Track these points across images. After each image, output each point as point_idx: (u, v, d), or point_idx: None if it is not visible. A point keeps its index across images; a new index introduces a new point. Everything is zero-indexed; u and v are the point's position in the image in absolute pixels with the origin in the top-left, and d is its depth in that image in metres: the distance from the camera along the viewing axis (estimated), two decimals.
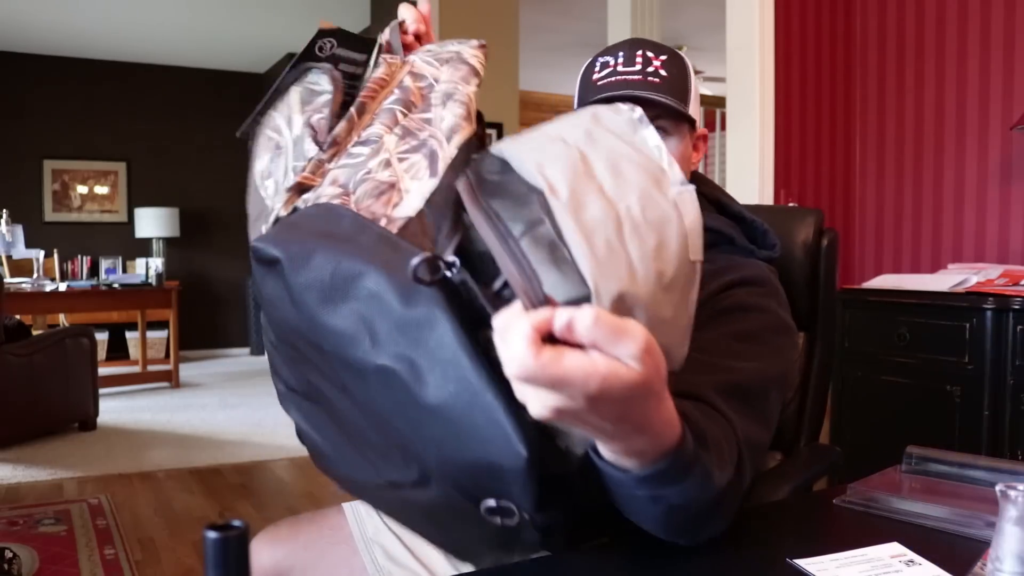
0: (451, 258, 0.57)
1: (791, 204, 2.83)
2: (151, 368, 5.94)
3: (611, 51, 1.06)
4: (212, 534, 0.40)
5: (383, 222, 0.66)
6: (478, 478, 0.62)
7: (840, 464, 1.43)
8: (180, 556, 2.64)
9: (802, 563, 0.72)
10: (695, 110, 1.06)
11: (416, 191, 0.67)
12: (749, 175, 2.80)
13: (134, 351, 6.80)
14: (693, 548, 0.77)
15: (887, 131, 3.05)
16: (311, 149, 0.76)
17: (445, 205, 0.62)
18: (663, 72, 1.02)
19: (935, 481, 0.94)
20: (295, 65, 0.86)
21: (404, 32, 0.90)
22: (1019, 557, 0.63)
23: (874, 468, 0.98)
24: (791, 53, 2.89)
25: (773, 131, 2.81)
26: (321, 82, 0.84)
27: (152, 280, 5.46)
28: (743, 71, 2.82)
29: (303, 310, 0.67)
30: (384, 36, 0.88)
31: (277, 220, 0.74)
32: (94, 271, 6.85)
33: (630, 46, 1.05)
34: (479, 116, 0.77)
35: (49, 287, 5.06)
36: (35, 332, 4.54)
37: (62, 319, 6.12)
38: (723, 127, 3.89)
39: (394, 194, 0.68)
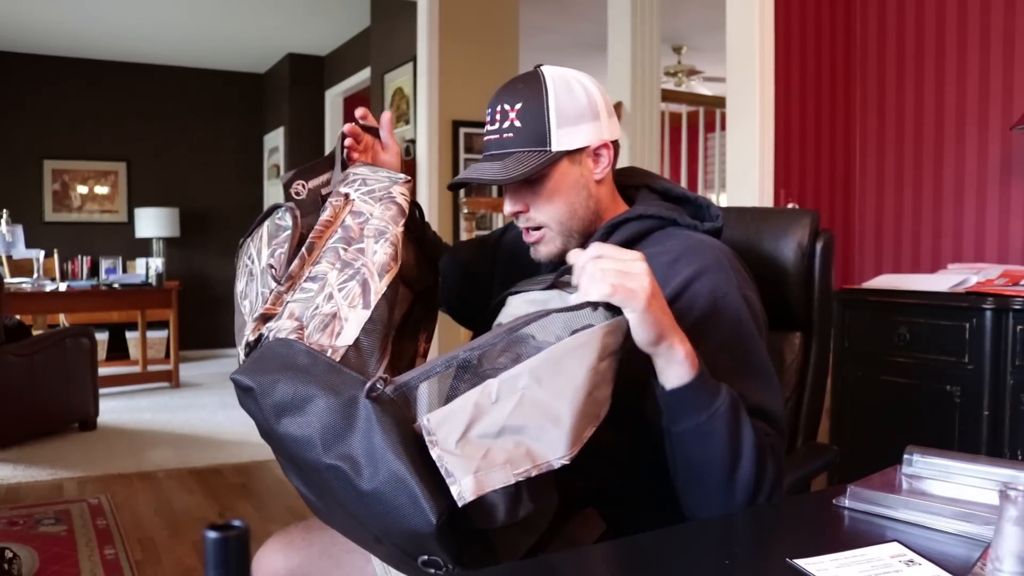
0: (383, 375, 0.80)
1: (791, 204, 2.83)
2: (151, 368, 5.94)
3: (490, 104, 1.11)
4: (212, 534, 0.40)
5: (329, 352, 0.86)
6: (408, 541, 0.78)
7: (837, 463, 1.43)
8: (180, 556, 2.64)
9: (802, 563, 0.72)
10: (572, 132, 1.06)
11: (353, 320, 0.88)
12: (749, 175, 2.80)
13: (134, 351, 6.80)
14: (692, 548, 0.77)
15: (887, 131, 3.05)
16: (272, 283, 0.98)
17: (375, 332, 0.87)
18: (517, 123, 1.06)
19: (935, 481, 0.94)
20: (270, 209, 1.08)
21: (347, 147, 1.17)
22: (1019, 557, 0.63)
23: (874, 468, 0.98)
24: (791, 53, 2.89)
25: (773, 131, 2.80)
26: (286, 218, 1.04)
27: (152, 280, 5.46)
28: (743, 71, 2.82)
29: (271, 424, 0.85)
30: (336, 148, 1.16)
31: (248, 344, 0.95)
32: (94, 271, 6.85)
33: (494, 100, 1.09)
34: (416, 205, 1.09)
35: (49, 287, 5.05)
36: (35, 332, 4.54)
37: (62, 319, 6.12)
38: (723, 127, 3.89)
39: (336, 323, 0.88)
